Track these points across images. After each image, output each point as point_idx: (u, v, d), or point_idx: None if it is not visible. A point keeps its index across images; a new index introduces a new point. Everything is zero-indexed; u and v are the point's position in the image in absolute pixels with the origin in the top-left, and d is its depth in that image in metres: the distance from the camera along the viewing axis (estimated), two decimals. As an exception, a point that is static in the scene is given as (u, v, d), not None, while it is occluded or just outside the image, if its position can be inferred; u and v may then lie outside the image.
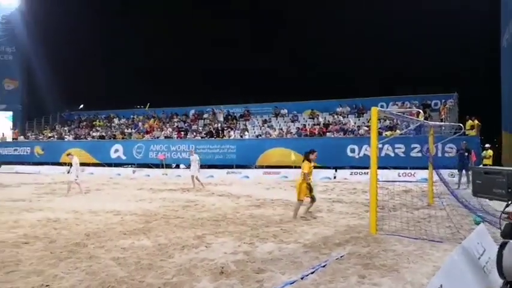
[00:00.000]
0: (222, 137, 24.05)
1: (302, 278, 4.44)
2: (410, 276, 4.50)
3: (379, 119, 8.81)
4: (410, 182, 15.89)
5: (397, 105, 22.59)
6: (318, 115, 24.65)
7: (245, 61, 39.17)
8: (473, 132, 18.06)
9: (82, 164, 17.32)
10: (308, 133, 22.20)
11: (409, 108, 20.58)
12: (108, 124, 30.54)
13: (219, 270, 4.74)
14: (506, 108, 20.69)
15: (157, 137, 25.75)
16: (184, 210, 9.71)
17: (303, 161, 8.53)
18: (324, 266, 4.88)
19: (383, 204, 8.79)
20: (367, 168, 7.51)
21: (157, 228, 7.35)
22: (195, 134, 25.42)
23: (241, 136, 23.82)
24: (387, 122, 20.73)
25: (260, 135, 23.58)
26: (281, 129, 23.62)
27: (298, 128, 23.15)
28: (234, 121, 26.36)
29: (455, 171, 15.39)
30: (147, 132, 27.03)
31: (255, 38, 43.46)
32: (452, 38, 34.36)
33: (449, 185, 9.04)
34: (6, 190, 14.56)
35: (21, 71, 34.90)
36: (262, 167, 21.80)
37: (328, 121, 23.59)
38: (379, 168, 7.00)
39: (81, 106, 35.44)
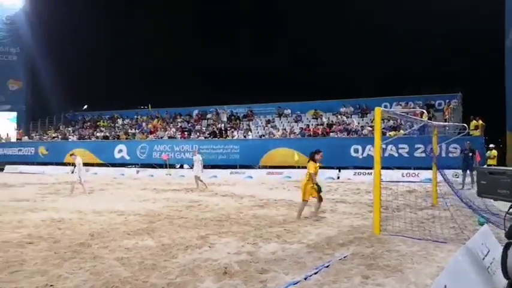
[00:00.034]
0: (226, 137, 24.07)
1: (305, 279, 4.43)
2: (414, 276, 4.48)
3: (382, 119, 8.78)
4: (414, 182, 15.79)
5: (400, 105, 22.51)
6: (321, 115, 24.60)
7: (247, 61, 39.28)
8: (477, 133, 17.98)
9: (86, 164, 17.43)
10: (311, 133, 22.17)
11: (413, 108, 20.50)
12: (112, 124, 30.66)
13: (223, 270, 4.74)
14: (511, 108, 20.60)
15: (161, 137, 25.83)
16: (188, 210, 9.72)
17: (308, 161, 8.46)
18: (327, 267, 4.87)
19: (387, 204, 8.77)
20: (371, 168, 7.47)
21: (161, 228, 7.35)
22: (198, 134, 25.45)
23: (245, 136, 23.83)
24: (391, 122, 20.69)
25: (263, 136, 23.58)
26: (284, 129, 23.59)
27: (302, 128, 23.14)
28: (238, 121, 26.35)
29: (460, 171, 15.31)
30: (151, 133, 27.09)
31: (258, 38, 43.54)
32: (457, 38, 34.27)
33: (453, 185, 8.99)
34: (10, 190, 14.63)
35: (25, 72, 34.99)
36: (265, 167, 21.81)
37: (332, 121, 23.55)
38: (382, 168, 6.97)
39: (85, 107, 35.61)
